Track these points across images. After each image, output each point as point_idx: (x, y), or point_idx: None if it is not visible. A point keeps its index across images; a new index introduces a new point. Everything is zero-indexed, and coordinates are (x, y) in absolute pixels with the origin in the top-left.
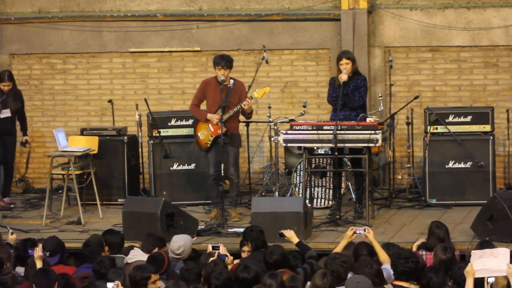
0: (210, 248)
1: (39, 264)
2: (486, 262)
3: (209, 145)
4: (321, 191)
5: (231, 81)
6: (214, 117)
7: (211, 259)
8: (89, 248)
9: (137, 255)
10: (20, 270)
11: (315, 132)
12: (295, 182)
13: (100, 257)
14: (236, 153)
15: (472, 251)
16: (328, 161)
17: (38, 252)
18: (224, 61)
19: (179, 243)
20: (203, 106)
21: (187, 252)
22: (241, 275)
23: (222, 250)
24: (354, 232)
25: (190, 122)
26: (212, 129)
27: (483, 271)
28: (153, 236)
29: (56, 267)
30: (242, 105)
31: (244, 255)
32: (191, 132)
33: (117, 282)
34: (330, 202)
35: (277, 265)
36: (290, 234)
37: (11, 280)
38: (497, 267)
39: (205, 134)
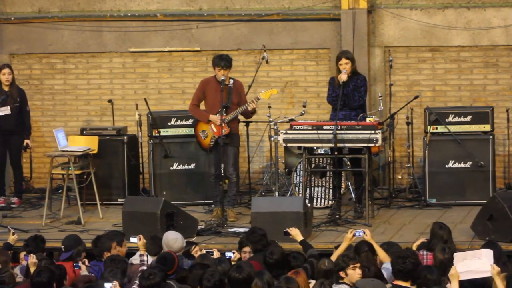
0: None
1: (33, 270)
2: (470, 264)
3: (212, 145)
4: (321, 191)
5: (231, 80)
6: (217, 119)
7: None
8: (99, 245)
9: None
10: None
11: (315, 132)
12: (295, 182)
13: (112, 256)
14: (236, 152)
15: (455, 254)
16: (328, 161)
17: (32, 258)
18: (223, 62)
19: (174, 236)
20: (202, 106)
21: (181, 246)
22: (233, 275)
23: (216, 255)
24: (354, 235)
25: (190, 122)
26: (214, 130)
27: (467, 273)
28: (156, 238)
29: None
30: (248, 106)
31: (245, 256)
32: (191, 132)
33: (115, 282)
34: (330, 202)
35: (277, 265)
36: (295, 232)
37: (9, 279)
38: (481, 268)
39: (207, 134)
